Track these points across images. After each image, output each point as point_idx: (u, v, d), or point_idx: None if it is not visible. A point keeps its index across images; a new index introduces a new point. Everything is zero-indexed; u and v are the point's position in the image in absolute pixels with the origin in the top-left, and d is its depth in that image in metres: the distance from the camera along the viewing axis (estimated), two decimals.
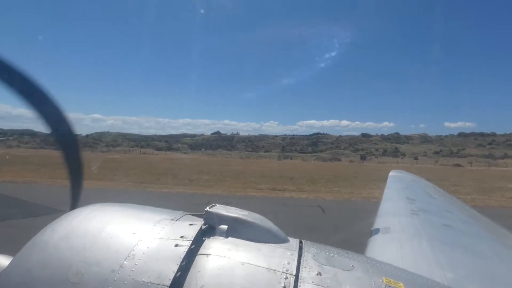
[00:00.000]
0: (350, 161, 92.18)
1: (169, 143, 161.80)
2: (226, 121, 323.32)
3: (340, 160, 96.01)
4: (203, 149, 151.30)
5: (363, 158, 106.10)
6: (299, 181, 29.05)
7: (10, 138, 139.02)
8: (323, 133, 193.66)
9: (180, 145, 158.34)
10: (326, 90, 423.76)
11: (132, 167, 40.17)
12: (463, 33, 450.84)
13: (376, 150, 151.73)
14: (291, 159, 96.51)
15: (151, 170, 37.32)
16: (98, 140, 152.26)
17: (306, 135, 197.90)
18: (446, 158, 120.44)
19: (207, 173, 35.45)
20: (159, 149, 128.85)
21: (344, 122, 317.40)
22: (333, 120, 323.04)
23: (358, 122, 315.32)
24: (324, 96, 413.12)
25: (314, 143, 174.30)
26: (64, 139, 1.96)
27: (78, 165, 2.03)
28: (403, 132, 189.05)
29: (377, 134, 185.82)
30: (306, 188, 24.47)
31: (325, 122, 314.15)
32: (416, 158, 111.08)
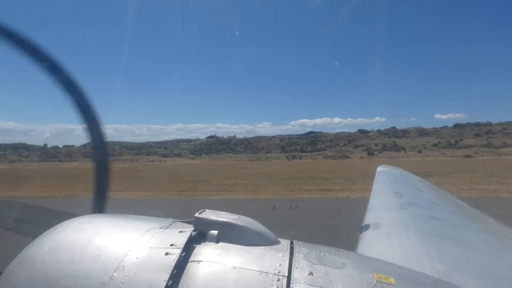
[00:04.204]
0: (361, 157, 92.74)
1: (168, 149, 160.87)
2: (219, 124, 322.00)
3: (349, 157, 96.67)
4: (203, 154, 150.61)
5: (370, 154, 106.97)
6: (337, 180, 29.21)
7: (7, 152, 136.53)
8: (318, 132, 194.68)
9: (181, 151, 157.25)
10: (316, 88, 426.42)
11: (158, 176, 39.88)
12: (449, 25, 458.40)
13: (376, 145, 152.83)
14: (300, 158, 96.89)
15: (179, 177, 37.10)
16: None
17: (303, 135, 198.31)
18: (446, 149, 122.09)
19: (236, 177, 35.46)
20: (165, 155, 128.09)
21: (336, 119, 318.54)
22: (325, 118, 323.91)
23: (350, 119, 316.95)
24: (315, 95, 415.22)
25: (313, 142, 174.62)
26: (99, 147, 2.02)
27: (107, 175, 2.08)
28: (396, 126, 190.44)
29: (372, 129, 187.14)
30: (352, 187, 24.62)
31: (317, 120, 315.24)
32: (420, 151, 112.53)
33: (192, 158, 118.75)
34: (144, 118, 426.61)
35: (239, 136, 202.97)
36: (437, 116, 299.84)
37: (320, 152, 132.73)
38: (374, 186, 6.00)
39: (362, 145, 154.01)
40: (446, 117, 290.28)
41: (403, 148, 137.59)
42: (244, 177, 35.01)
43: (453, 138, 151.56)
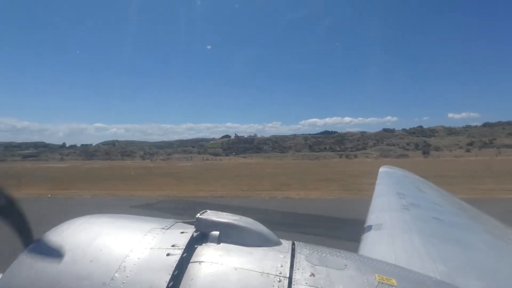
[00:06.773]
0: (425, 156, 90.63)
1: (200, 148, 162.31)
2: (229, 124, 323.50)
3: (407, 156, 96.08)
4: (233, 153, 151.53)
5: (425, 153, 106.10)
6: (457, 180, 28.48)
7: (39, 150, 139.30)
8: (331, 131, 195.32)
9: (215, 150, 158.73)
10: (326, 88, 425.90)
11: (262, 175, 40.38)
12: (460, 24, 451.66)
13: (408, 144, 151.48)
14: (355, 157, 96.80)
15: (278, 177, 37.53)
16: (127, 149, 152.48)
17: (324, 133, 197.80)
18: (483, 149, 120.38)
19: (339, 176, 35.52)
20: (216, 154, 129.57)
21: (347, 119, 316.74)
22: (335, 117, 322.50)
23: (361, 118, 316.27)
24: (324, 95, 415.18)
25: (339, 141, 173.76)
26: None
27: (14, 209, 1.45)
28: (407, 125, 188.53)
29: (394, 128, 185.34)
30: (482, 188, 24.21)
31: (327, 120, 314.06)
32: (468, 151, 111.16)
33: (243, 157, 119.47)
34: (154, 117, 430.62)
35: (252, 135, 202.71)
36: (450, 115, 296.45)
37: (362, 151, 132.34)
38: (377, 187, 5.96)
39: (393, 144, 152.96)
40: (459, 116, 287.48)
41: (438, 147, 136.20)
42: (348, 177, 35.15)
43: (485, 137, 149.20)
